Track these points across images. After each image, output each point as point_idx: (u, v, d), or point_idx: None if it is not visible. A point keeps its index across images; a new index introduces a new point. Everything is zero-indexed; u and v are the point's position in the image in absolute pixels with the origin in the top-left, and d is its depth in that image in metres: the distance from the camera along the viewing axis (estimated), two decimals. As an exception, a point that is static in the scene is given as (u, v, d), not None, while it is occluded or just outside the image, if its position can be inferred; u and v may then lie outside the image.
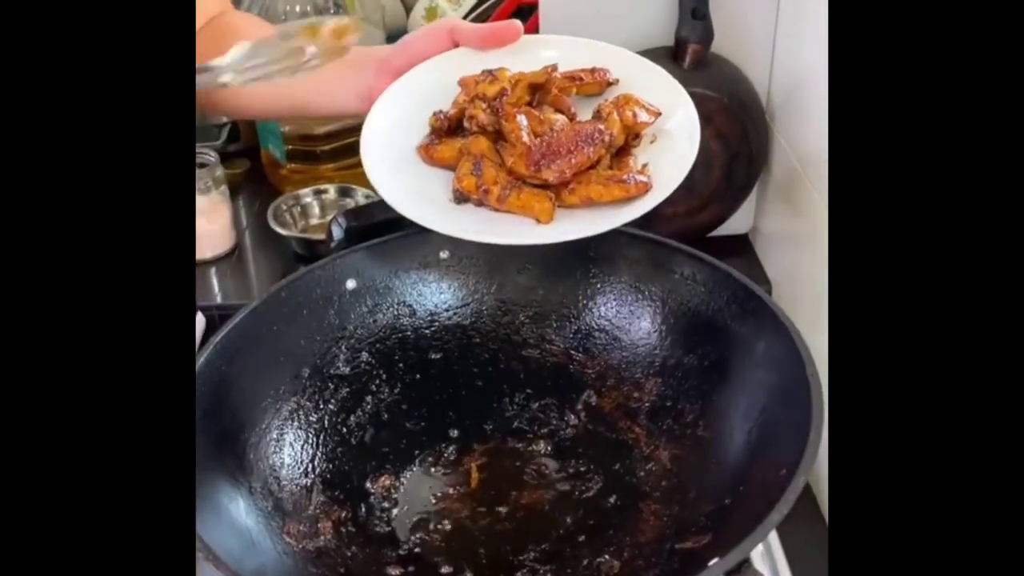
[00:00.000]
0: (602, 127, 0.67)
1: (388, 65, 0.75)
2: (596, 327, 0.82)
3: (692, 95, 1.00)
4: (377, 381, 0.81)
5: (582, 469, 0.77)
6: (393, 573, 0.69)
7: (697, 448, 0.73)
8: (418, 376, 0.82)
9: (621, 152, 0.69)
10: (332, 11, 1.32)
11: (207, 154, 1.18)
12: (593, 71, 0.73)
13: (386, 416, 0.80)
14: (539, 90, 0.72)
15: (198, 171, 1.15)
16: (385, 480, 0.76)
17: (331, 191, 1.24)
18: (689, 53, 1.01)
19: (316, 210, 1.24)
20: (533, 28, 1.21)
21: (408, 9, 1.45)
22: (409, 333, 0.82)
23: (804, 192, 1.00)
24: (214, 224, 1.19)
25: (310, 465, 0.74)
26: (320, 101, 0.80)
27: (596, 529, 0.72)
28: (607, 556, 0.69)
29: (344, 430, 0.78)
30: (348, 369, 0.80)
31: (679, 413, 0.76)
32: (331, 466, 0.75)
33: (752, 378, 0.71)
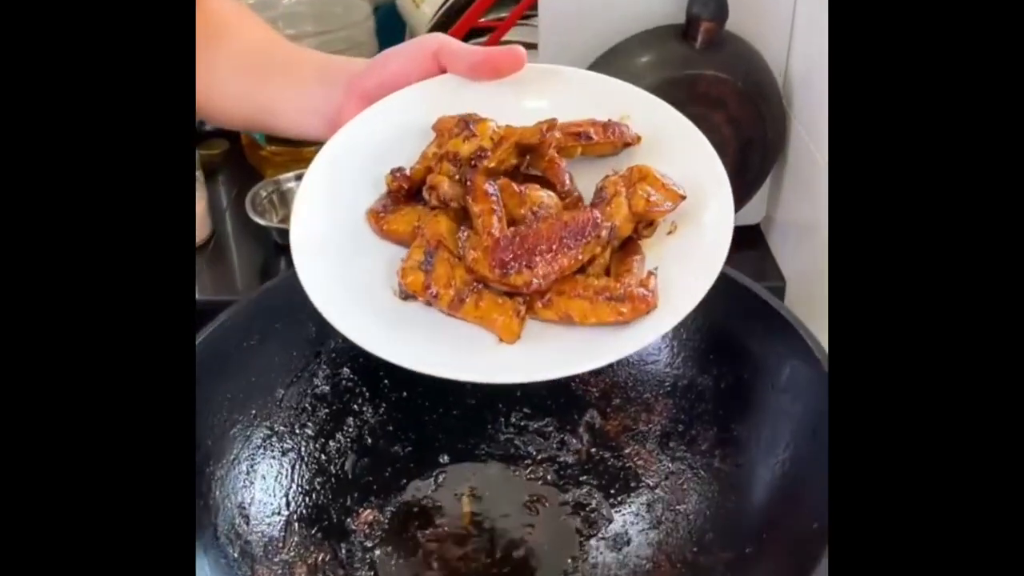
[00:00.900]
0: (600, 217, 0.52)
1: (359, 86, 0.62)
2: (600, 340, 0.74)
3: (703, 77, 0.95)
4: (360, 400, 0.74)
5: (584, 501, 0.70)
6: (376, 626, 0.62)
7: (713, 481, 0.67)
8: (405, 394, 0.75)
9: (626, 244, 0.55)
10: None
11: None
12: (607, 126, 0.58)
13: (369, 440, 0.73)
14: (531, 152, 0.57)
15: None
16: (368, 515, 0.69)
17: (314, 176, 1.16)
18: (701, 32, 0.94)
19: (298, 197, 1.16)
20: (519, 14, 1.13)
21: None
22: (396, 345, 0.74)
23: (822, 181, 0.93)
24: (188, 212, 1.11)
25: (284, 500, 0.67)
26: (282, 119, 0.68)
27: (601, 574, 0.65)
28: (613, 607, 0.63)
29: (323, 457, 0.71)
30: (328, 387, 0.72)
31: (692, 440, 0.69)
32: (308, 500, 0.69)
33: (775, 407, 0.64)
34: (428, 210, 0.55)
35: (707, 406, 0.69)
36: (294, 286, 0.68)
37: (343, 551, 0.67)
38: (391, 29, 1.34)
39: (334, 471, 0.71)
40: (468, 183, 0.54)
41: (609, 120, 0.58)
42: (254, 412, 0.69)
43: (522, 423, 0.75)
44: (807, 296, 0.99)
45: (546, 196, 0.54)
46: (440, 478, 0.72)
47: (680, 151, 0.57)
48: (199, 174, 1.12)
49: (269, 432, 0.69)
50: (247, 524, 0.65)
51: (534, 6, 1.01)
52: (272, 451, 0.69)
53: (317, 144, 0.61)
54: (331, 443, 0.72)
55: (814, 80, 0.95)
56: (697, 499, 0.67)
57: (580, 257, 0.51)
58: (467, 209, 0.54)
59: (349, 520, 0.69)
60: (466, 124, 0.56)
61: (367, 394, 0.74)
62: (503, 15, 1.16)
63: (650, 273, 0.52)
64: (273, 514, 0.66)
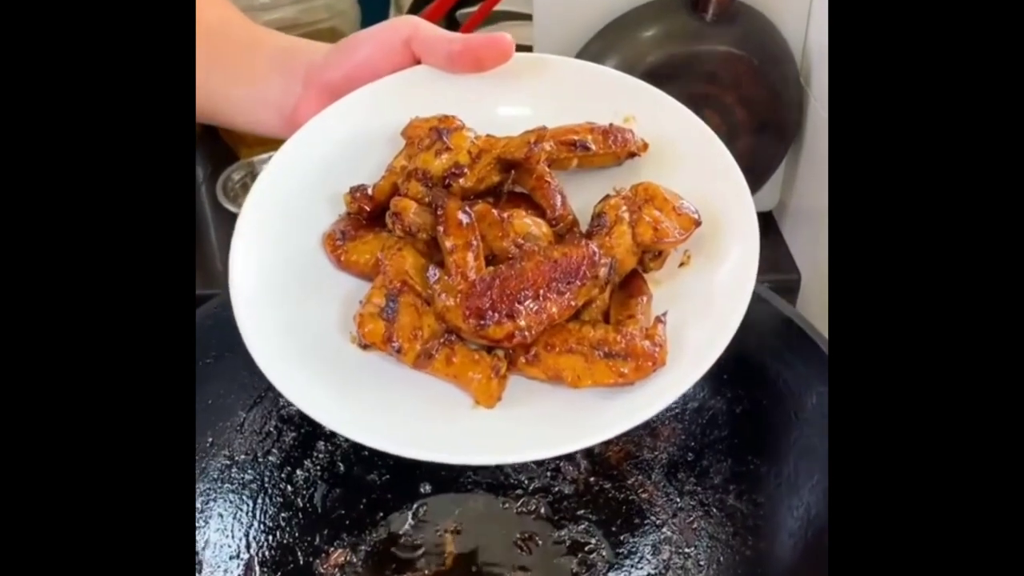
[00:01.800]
0: (598, 253, 0.44)
1: (319, 78, 0.54)
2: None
3: (714, 53, 0.87)
4: (332, 421, 0.66)
5: (582, 539, 0.64)
6: None
7: (728, 523, 0.61)
8: (382, 414, 0.67)
9: (630, 281, 0.46)
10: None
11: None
12: (608, 133, 0.49)
13: (342, 468, 0.66)
14: (516, 168, 0.48)
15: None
16: (339, 556, 0.63)
17: (291, 158, 1.08)
18: (713, 2, 0.86)
19: (273, 181, 1.08)
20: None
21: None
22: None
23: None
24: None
25: (243, 541, 0.61)
26: (233, 112, 0.58)
27: (600, 629, 0.58)
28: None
29: (289, 489, 0.64)
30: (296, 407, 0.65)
31: (704, 472, 0.63)
32: (271, 540, 0.62)
33: (799, 440, 0.58)
34: (391, 237, 0.47)
35: (720, 433, 0.63)
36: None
37: (309, 601, 0.61)
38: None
39: (302, 504, 0.64)
40: (438, 210, 0.45)
41: (611, 125, 0.49)
42: (211, 440, 0.62)
43: (513, 447, 0.68)
44: (824, 291, 0.92)
45: (533, 225, 0.46)
46: (421, 511, 0.66)
47: (695, 163, 0.48)
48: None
49: (228, 462, 0.62)
50: (199, 570, 0.57)
51: (529, -27, 0.92)
52: (231, 484, 0.62)
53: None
54: (299, 472, 0.65)
55: (836, 56, 0.87)
56: (709, 542, 0.61)
57: (573, 303, 0.43)
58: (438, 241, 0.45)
59: (317, 562, 0.62)
60: (439, 135, 0.47)
61: (340, 414, 0.66)
62: (495, -18, 1.07)
63: (658, 320, 0.44)
64: (231, 558, 0.60)
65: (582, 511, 0.65)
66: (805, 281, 0.97)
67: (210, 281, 1.00)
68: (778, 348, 0.59)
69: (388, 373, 0.44)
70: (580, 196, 0.49)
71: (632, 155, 0.49)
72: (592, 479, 0.66)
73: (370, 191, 0.48)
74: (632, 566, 0.61)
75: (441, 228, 0.44)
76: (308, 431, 0.65)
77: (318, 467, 0.65)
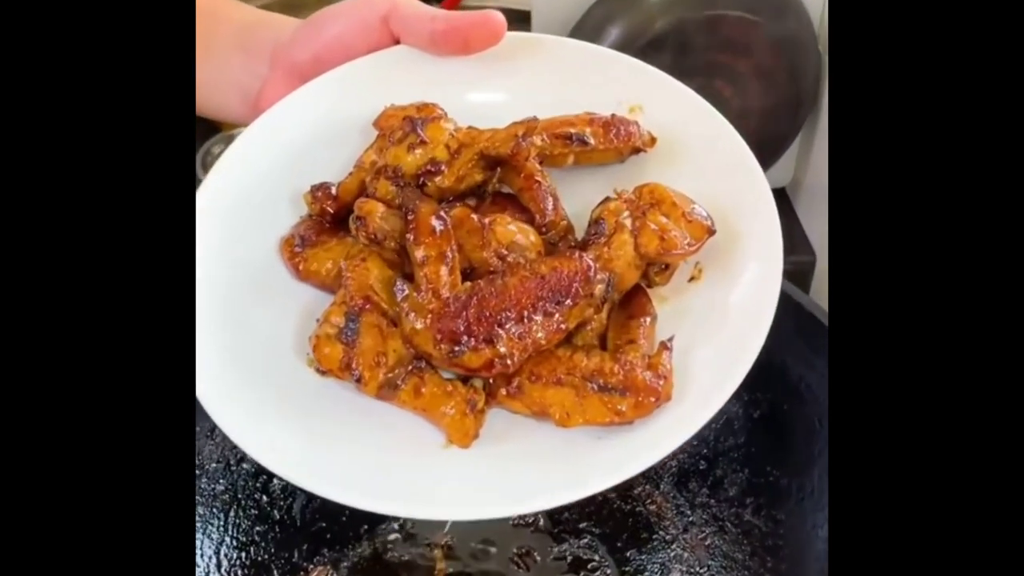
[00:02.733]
0: (594, 267, 0.38)
1: (286, 58, 0.48)
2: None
3: (726, 19, 0.82)
4: (312, 423, 0.62)
5: (584, 555, 0.61)
6: None
7: (744, 541, 0.58)
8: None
9: (632, 298, 0.41)
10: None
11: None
12: (610, 125, 0.43)
13: (323, 475, 0.61)
14: (502, 165, 0.43)
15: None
16: (319, 574, 0.61)
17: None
18: (725, -36, 0.82)
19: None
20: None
21: None
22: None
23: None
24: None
25: (213, 559, 0.57)
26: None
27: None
28: None
29: (264, 500, 0.61)
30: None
31: (718, 482, 0.60)
32: (243, 557, 0.59)
33: (825, 448, 0.55)
34: (355, 243, 0.41)
35: (736, 440, 0.60)
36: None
37: (286, 626, 0.58)
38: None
39: (278, 516, 0.61)
40: (408, 214, 0.39)
41: (613, 116, 0.43)
42: (178, 446, 0.57)
43: (508, 451, 0.64)
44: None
45: (519, 233, 0.40)
46: (408, 524, 0.63)
47: (710, 162, 0.43)
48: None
49: (197, 471, 0.59)
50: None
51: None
52: (200, 496, 0.59)
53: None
54: (275, 480, 0.62)
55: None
56: (723, 562, 0.59)
57: (563, 326, 0.37)
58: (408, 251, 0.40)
59: (296, 581, 0.59)
60: (413, 125, 0.41)
61: (321, 415, 0.63)
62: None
63: (663, 345, 0.38)
64: (199, 578, 0.56)
65: (584, 524, 0.62)
66: (820, 264, 0.92)
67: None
68: (800, 347, 0.56)
69: (349, 403, 0.39)
70: (576, 199, 0.43)
71: (637, 151, 0.44)
72: (595, 488, 0.62)
73: (334, 190, 0.42)
74: (638, 590, 0.58)
75: (411, 235, 0.39)
76: (286, 435, 0.61)
77: (297, 475, 0.61)
